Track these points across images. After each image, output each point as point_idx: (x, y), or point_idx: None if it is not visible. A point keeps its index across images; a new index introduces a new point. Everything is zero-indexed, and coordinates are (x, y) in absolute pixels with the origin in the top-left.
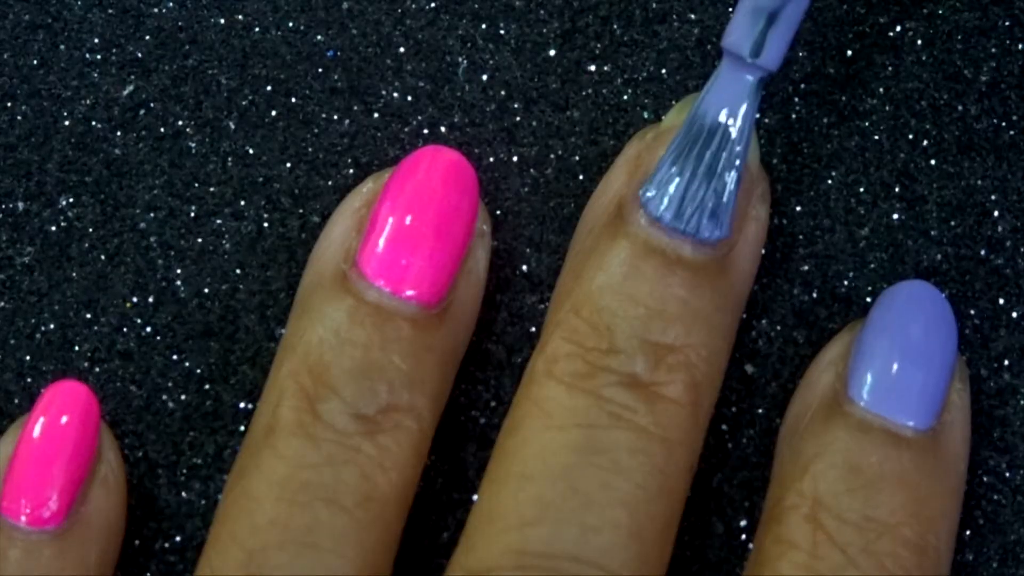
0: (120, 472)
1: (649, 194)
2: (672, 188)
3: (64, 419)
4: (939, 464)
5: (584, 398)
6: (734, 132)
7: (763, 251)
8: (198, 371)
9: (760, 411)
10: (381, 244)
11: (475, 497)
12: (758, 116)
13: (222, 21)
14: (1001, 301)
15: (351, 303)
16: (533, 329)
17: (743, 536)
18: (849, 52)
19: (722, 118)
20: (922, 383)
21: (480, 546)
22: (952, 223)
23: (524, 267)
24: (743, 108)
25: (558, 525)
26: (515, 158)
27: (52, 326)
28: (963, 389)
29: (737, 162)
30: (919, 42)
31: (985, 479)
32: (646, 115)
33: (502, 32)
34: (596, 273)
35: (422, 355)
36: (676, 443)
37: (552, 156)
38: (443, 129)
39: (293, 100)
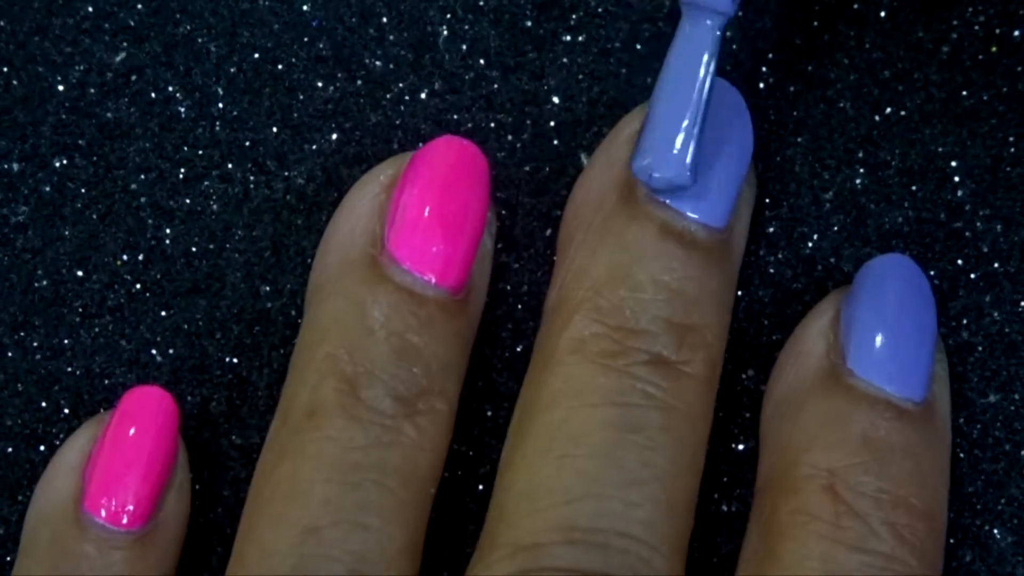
0: (189, 480)
1: (645, 162)
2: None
3: (151, 427)
4: (935, 434)
5: (616, 377)
6: (695, 82)
7: None
8: (185, 327)
9: (730, 367)
10: (408, 230)
11: (477, 484)
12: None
13: None
14: (960, 262)
15: (385, 287)
16: (508, 287)
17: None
18: (816, 23)
19: (686, 70)
20: (916, 355)
21: (524, 522)
22: (913, 188)
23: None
24: (704, 57)
25: (603, 500)
26: (492, 124)
27: (45, 283)
28: (942, 360)
29: (698, 110)
30: (882, 14)
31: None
32: (618, 82)
33: (481, 4)
34: (615, 253)
35: (451, 340)
36: (699, 418)
37: (528, 122)
38: (423, 96)
39: (279, 67)
